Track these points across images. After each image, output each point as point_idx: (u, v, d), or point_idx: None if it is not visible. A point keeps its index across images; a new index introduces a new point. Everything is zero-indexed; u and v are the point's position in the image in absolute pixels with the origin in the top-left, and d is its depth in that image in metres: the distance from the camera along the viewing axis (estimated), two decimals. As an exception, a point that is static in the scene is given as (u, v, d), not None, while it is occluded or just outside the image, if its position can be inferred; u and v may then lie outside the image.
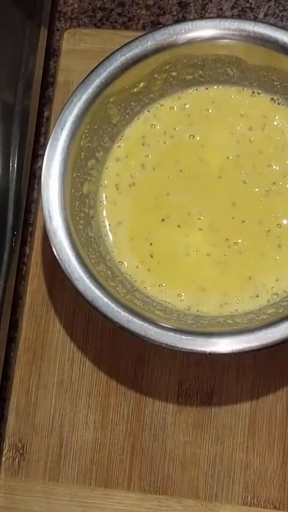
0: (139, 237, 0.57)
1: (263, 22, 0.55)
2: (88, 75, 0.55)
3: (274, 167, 0.57)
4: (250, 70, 0.57)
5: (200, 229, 0.57)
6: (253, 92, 0.58)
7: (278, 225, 0.56)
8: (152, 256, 0.57)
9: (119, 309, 0.52)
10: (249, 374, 0.58)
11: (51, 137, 0.54)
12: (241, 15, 0.64)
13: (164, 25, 0.58)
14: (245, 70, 0.57)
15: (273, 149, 0.57)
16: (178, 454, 0.58)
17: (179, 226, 0.57)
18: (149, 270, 0.57)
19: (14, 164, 0.60)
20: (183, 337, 0.51)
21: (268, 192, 0.57)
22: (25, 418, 0.59)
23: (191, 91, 0.58)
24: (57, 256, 0.53)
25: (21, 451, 0.58)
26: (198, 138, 0.58)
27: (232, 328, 0.53)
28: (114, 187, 0.58)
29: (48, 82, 0.65)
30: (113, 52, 0.55)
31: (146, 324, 0.52)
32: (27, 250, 0.62)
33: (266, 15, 0.64)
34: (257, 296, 0.56)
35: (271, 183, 0.57)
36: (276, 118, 0.58)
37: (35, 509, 0.57)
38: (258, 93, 0.58)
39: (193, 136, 0.58)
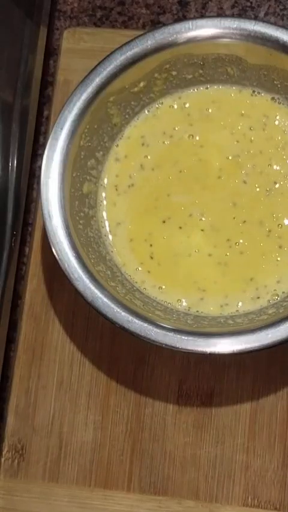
0: (139, 238, 0.57)
1: (264, 21, 0.55)
2: (88, 74, 0.55)
3: (275, 167, 0.57)
4: (250, 69, 0.57)
5: (202, 230, 0.57)
6: (253, 91, 0.58)
7: (279, 225, 0.56)
8: (152, 258, 0.57)
9: (119, 310, 0.52)
10: (250, 375, 0.58)
11: (50, 137, 0.54)
12: (241, 14, 0.64)
13: (164, 24, 0.58)
14: (245, 69, 0.57)
15: (274, 149, 0.57)
16: (178, 455, 0.57)
17: (180, 227, 0.57)
18: (149, 271, 0.56)
19: (13, 164, 0.60)
20: (183, 337, 0.51)
21: (269, 192, 0.57)
22: (24, 419, 0.59)
23: (191, 90, 0.58)
24: (56, 256, 0.53)
25: (20, 452, 0.58)
26: (198, 138, 0.58)
27: (232, 328, 0.53)
28: (113, 187, 0.58)
29: (47, 81, 0.65)
30: (113, 51, 0.55)
31: (146, 325, 0.51)
32: (27, 250, 0.62)
33: (266, 14, 0.64)
34: (258, 297, 0.55)
35: (272, 183, 0.57)
36: (277, 117, 0.58)
37: (34, 511, 0.57)
38: (259, 92, 0.58)
39: (193, 135, 0.58)
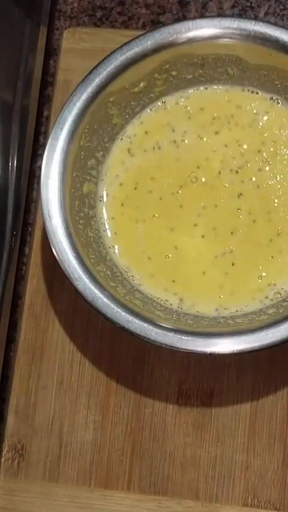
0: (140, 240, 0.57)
1: (264, 21, 0.55)
2: (88, 74, 0.55)
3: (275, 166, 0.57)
4: (250, 69, 0.57)
5: (203, 235, 0.57)
6: (253, 91, 0.58)
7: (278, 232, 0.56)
8: (150, 258, 0.57)
9: (119, 310, 0.52)
10: (250, 374, 0.58)
11: (50, 137, 0.54)
12: (241, 14, 0.64)
13: (164, 24, 0.58)
14: (245, 69, 0.57)
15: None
16: (178, 455, 0.57)
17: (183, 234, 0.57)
18: (149, 271, 0.56)
19: (13, 164, 0.60)
20: (183, 337, 0.51)
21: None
22: (24, 419, 0.59)
23: (191, 90, 0.58)
24: (56, 256, 0.53)
25: (20, 452, 0.58)
26: (199, 138, 0.58)
27: (232, 328, 0.53)
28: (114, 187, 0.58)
29: (47, 81, 0.65)
30: (113, 51, 0.55)
31: (146, 325, 0.51)
32: (27, 250, 0.62)
33: (266, 14, 0.64)
34: (258, 298, 0.55)
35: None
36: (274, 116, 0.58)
37: (34, 511, 0.57)
38: (257, 92, 0.58)
39: (193, 136, 0.58)
